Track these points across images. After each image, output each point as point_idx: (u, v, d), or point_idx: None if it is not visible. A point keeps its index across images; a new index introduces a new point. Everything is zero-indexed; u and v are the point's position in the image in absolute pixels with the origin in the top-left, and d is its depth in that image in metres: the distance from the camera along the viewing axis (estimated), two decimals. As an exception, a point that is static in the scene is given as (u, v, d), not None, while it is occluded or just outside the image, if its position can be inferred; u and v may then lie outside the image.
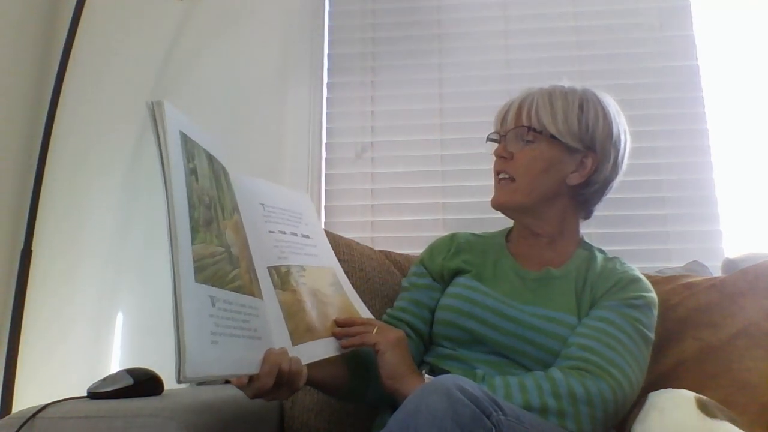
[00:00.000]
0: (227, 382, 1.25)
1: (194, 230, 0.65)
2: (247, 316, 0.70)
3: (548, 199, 1.06)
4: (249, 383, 0.72)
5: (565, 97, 1.05)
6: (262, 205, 0.89)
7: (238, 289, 0.70)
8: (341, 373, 0.96)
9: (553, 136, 1.03)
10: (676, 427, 0.78)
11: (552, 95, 1.05)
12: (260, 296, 0.77)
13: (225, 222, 0.74)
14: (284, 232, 0.90)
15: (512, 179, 1.05)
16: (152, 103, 0.67)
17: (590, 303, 0.99)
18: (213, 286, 0.65)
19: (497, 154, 1.08)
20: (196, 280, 0.62)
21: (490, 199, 1.09)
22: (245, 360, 0.68)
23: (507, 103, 1.10)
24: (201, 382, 1.34)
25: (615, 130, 1.06)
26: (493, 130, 1.12)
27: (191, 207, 0.66)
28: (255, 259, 0.80)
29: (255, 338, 0.71)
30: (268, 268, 0.83)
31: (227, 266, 0.70)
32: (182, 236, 0.62)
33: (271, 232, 0.88)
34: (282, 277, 0.84)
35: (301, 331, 0.81)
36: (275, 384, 0.72)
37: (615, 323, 0.93)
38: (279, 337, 0.77)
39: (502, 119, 1.10)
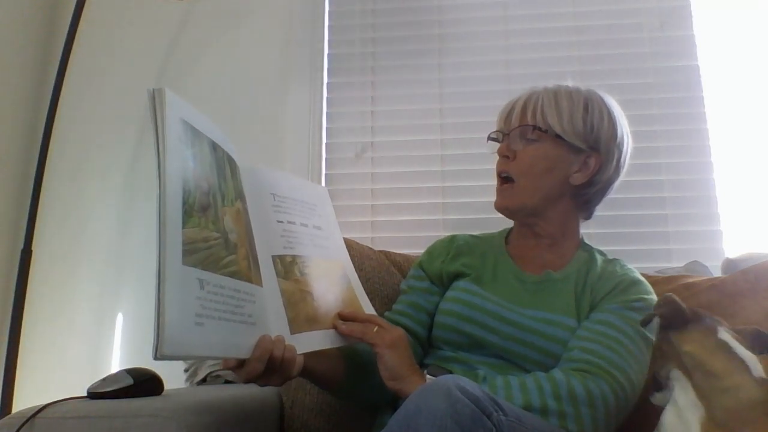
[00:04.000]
0: (229, 380, 1.26)
1: (187, 214, 0.66)
2: (240, 301, 0.71)
3: (551, 199, 1.05)
4: (240, 367, 0.73)
5: (570, 96, 1.04)
6: (273, 195, 0.89)
7: (232, 275, 0.71)
8: (338, 367, 0.96)
9: (558, 136, 1.02)
10: None
11: (557, 95, 1.05)
12: (259, 283, 0.77)
13: (224, 208, 0.74)
14: (294, 222, 0.90)
15: (514, 180, 1.04)
16: (153, 90, 0.68)
17: (590, 306, 0.99)
18: (204, 269, 0.66)
19: (500, 153, 1.07)
20: (184, 263, 0.63)
21: (489, 200, 1.09)
22: (234, 344, 0.69)
23: (510, 102, 1.10)
24: (191, 364, 1.34)
25: (619, 132, 1.06)
26: (494, 130, 1.11)
27: (186, 192, 0.67)
28: (259, 248, 0.81)
29: (248, 323, 0.72)
30: (273, 256, 0.83)
31: (222, 251, 0.71)
32: (172, 219, 0.64)
33: (279, 221, 0.88)
34: (286, 267, 0.84)
35: (300, 321, 0.81)
36: (267, 370, 0.73)
37: (616, 326, 0.93)
38: (277, 325, 0.77)
39: (506, 118, 1.09)
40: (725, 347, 0.72)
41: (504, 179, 1.07)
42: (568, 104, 1.03)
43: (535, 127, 1.03)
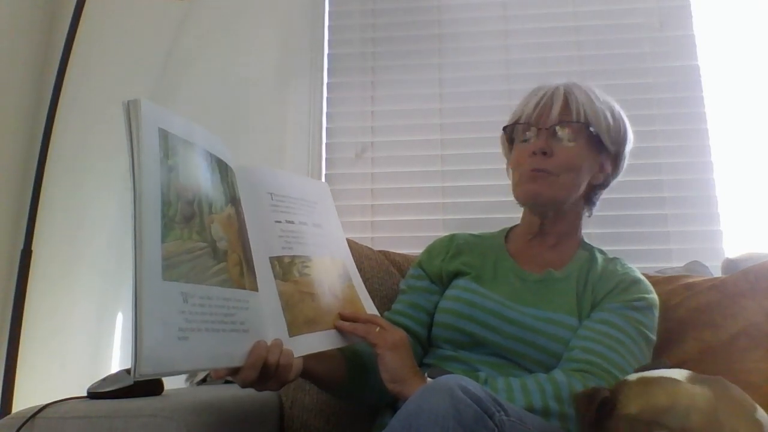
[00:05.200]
0: (229, 381, 1.25)
1: (167, 228, 0.65)
2: (231, 309, 0.70)
3: (576, 197, 1.06)
4: (235, 374, 0.73)
5: (599, 98, 1.05)
6: (271, 194, 0.88)
7: (222, 284, 0.70)
8: (339, 368, 0.95)
9: (596, 135, 1.03)
10: None
11: (589, 94, 1.04)
12: (254, 288, 0.77)
13: (212, 216, 0.73)
14: (293, 222, 0.89)
15: (551, 173, 1.01)
16: (128, 102, 0.67)
17: (591, 305, 0.99)
18: (188, 282, 0.65)
19: (540, 149, 1.01)
20: (165, 278, 0.62)
21: (489, 200, 1.08)
22: (225, 353, 0.69)
23: (542, 96, 1.04)
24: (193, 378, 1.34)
25: (631, 135, 1.09)
26: (515, 122, 1.07)
27: (165, 204, 0.66)
28: (255, 250, 0.80)
29: (241, 331, 0.71)
30: (270, 258, 0.82)
31: (209, 261, 0.70)
32: (149, 236, 0.63)
33: (277, 221, 0.87)
34: (284, 268, 0.83)
35: (299, 323, 0.81)
36: (262, 376, 0.73)
37: (617, 325, 0.93)
38: (274, 329, 0.77)
39: (539, 113, 1.03)
40: (645, 380, 0.68)
41: (540, 173, 1.02)
42: (600, 106, 1.04)
43: (586, 125, 1.02)
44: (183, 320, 0.63)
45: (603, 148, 1.05)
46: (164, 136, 0.69)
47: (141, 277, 0.60)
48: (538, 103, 1.04)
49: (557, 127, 1.02)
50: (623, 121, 1.08)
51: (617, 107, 1.08)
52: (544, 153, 1.01)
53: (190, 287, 0.65)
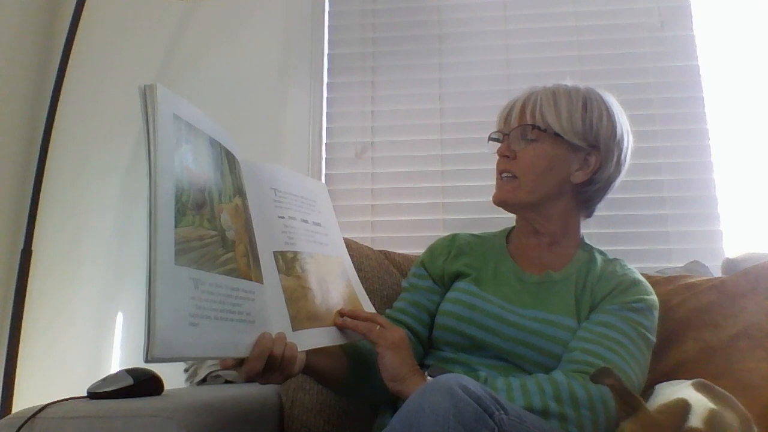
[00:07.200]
0: (229, 381, 1.26)
1: (180, 213, 0.65)
2: (239, 299, 0.71)
3: (551, 197, 1.05)
4: (239, 366, 0.73)
5: (568, 95, 1.04)
6: (274, 190, 0.89)
7: (230, 273, 0.70)
8: (341, 365, 0.96)
9: (557, 135, 1.02)
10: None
11: (556, 94, 1.05)
12: (260, 280, 0.77)
13: (221, 205, 0.74)
14: (294, 218, 0.90)
15: (515, 177, 1.05)
16: (144, 86, 0.67)
17: (590, 306, 0.99)
18: (199, 269, 0.65)
19: (501, 153, 1.07)
20: (177, 263, 0.62)
21: (489, 200, 1.09)
22: (232, 343, 0.69)
23: (510, 102, 1.10)
24: (189, 365, 1.34)
25: (618, 129, 1.06)
26: (495, 130, 1.11)
27: (179, 190, 0.66)
28: (260, 243, 0.80)
29: (247, 322, 0.71)
30: (274, 252, 0.82)
31: (218, 249, 0.70)
32: (164, 220, 0.63)
33: (280, 217, 0.87)
34: (288, 263, 0.84)
35: (302, 318, 0.81)
36: (267, 368, 0.73)
37: (617, 327, 0.93)
38: (278, 322, 0.77)
39: (505, 118, 1.09)
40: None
41: (505, 177, 1.06)
42: (566, 103, 1.03)
43: (534, 127, 1.03)
44: (194, 306, 0.63)
45: (579, 146, 1.03)
46: (178, 122, 0.70)
47: (155, 260, 0.60)
48: (505, 109, 1.10)
49: (514, 131, 1.05)
50: (603, 115, 1.04)
51: (601, 101, 1.05)
52: (507, 157, 1.06)
53: (200, 274, 0.65)
